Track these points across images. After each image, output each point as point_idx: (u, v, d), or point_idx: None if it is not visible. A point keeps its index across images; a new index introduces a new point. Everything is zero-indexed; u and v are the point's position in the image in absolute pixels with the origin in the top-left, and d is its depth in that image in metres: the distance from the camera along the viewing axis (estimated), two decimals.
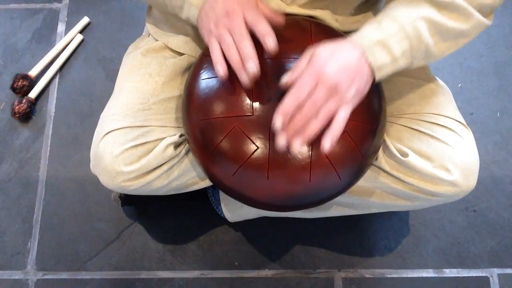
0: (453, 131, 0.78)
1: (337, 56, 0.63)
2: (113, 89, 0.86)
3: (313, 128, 0.62)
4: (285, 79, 0.65)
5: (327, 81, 0.62)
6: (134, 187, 0.78)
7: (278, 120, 0.62)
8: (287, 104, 0.62)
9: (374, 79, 0.67)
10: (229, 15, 0.67)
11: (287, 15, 0.78)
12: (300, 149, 0.64)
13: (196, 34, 0.84)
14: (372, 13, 0.84)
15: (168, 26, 0.86)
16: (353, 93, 0.64)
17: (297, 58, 0.70)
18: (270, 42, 0.65)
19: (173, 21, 0.86)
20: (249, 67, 0.65)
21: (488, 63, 1.30)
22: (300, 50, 0.71)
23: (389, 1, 0.73)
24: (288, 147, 0.63)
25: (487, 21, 0.70)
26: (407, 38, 0.66)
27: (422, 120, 0.79)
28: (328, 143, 0.62)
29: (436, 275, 1.12)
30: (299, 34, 0.73)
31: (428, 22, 0.67)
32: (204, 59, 0.74)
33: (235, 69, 0.66)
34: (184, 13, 0.74)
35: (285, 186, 0.69)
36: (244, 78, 0.66)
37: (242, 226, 1.15)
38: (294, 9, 0.78)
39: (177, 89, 0.83)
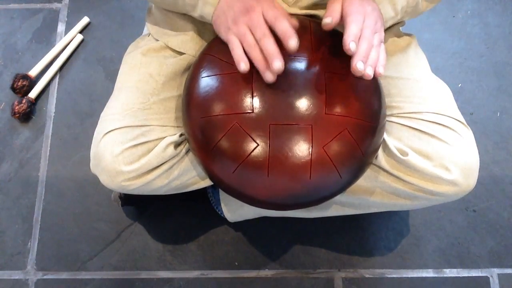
0: (453, 130, 0.78)
1: (366, 1, 0.71)
2: (113, 89, 0.86)
3: (375, 55, 0.68)
4: (328, 20, 0.68)
5: (371, 15, 0.70)
6: (134, 186, 0.78)
7: (352, 44, 0.65)
8: (354, 28, 0.66)
9: None
10: (248, 12, 0.67)
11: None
12: (372, 76, 0.67)
13: (196, 33, 0.84)
14: None
15: (169, 26, 0.86)
16: (383, 32, 0.72)
17: (297, 57, 0.70)
18: (292, 42, 0.65)
19: (173, 20, 0.86)
20: (275, 66, 0.65)
21: (488, 63, 1.30)
22: (300, 48, 0.71)
23: None
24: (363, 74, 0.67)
25: None
26: None
27: (422, 119, 0.79)
28: (382, 69, 0.68)
29: (436, 275, 1.12)
30: (299, 33, 0.72)
31: None
32: (204, 58, 0.74)
33: (259, 68, 0.67)
34: (198, 11, 0.74)
35: (286, 184, 0.68)
36: (269, 77, 0.66)
37: (242, 226, 1.15)
38: (295, 11, 0.78)
39: (177, 88, 0.83)
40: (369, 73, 0.66)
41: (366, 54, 0.66)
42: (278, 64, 0.65)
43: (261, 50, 0.66)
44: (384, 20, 0.74)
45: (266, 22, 0.67)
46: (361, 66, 0.65)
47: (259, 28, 0.66)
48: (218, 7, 0.71)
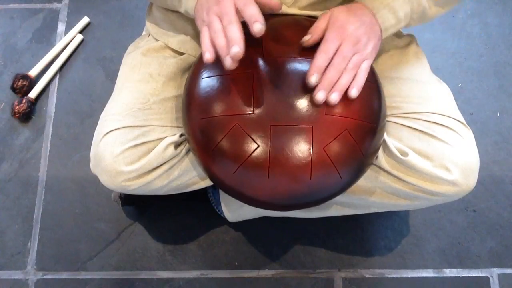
0: (453, 130, 0.78)
1: (354, 16, 0.70)
2: (113, 89, 0.86)
3: (346, 80, 0.68)
4: (307, 37, 0.70)
5: (350, 37, 0.68)
6: (135, 186, 0.78)
7: (313, 77, 0.66)
8: (320, 61, 0.67)
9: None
10: (220, 1, 0.66)
11: (288, 15, 0.78)
12: (337, 101, 0.67)
13: (196, 33, 0.84)
14: None
15: (169, 26, 0.87)
16: (371, 48, 0.71)
17: (297, 58, 0.70)
18: (257, 26, 0.63)
19: (173, 20, 0.86)
20: (232, 51, 0.63)
21: (488, 63, 1.30)
22: (300, 50, 0.71)
23: None
24: (326, 101, 0.67)
25: None
26: (409, 2, 0.74)
27: (422, 120, 0.79)
28: (355, 92, 0.68)
29: (436, 275, 1.12)
30: (300, 34, 0.73)
31: None
32: None
33: (220, 54, 0.65)
34: (183, 6, 0.75)
35: (286, 185, 0.68)
36: (227, 63, 0.64)
37: (242, 226, 1.15)
38: (295, 11, 0.78)
39: (177, 88, 0.83)
40: (333, 99, 0.67)
41: (331, 82, 0.67)
42: (235, 49, 0.62)
43: (226, 37, 0.65)
44: (383, 29, 0.73)
45: (237, 10, 0.65)
46: (321, 96, 0.66)
47: (226, 16, 0.65)
48: (198, 2, 0.71)
